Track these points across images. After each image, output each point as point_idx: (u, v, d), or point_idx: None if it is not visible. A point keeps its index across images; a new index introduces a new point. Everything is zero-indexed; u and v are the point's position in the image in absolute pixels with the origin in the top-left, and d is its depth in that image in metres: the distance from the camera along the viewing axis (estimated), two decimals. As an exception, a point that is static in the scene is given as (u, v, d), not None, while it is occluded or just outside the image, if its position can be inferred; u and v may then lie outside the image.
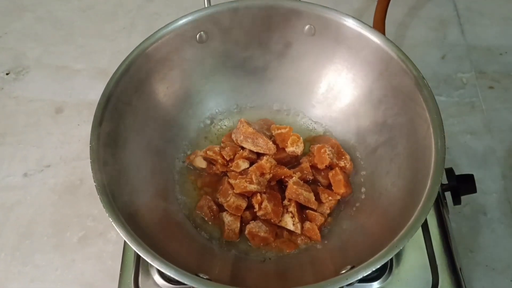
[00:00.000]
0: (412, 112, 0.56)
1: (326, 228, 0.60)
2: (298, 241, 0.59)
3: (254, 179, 0.59)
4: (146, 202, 0.56)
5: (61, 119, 0.86)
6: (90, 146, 0.51)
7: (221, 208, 0.61)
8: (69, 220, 0.75)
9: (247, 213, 0.60)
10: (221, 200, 0.61)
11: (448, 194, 0.64)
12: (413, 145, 0.56)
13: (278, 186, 0.62)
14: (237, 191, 0.59)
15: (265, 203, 0.59)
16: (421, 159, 0.53)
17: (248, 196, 0.60)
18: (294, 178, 0.60)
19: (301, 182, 0.60)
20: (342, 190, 0.61)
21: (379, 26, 0.84)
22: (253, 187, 0.59)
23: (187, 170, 0.65)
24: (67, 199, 0.77)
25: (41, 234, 0.73)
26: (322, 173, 0.63)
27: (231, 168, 0.63)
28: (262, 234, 0.58)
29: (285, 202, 0.60)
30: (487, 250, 0.70)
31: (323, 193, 0.61)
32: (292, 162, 0.65)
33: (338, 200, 0.61)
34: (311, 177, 0.63)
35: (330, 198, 0.61)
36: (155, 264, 0.45)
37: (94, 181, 0.49)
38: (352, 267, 0.46)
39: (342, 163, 0.63)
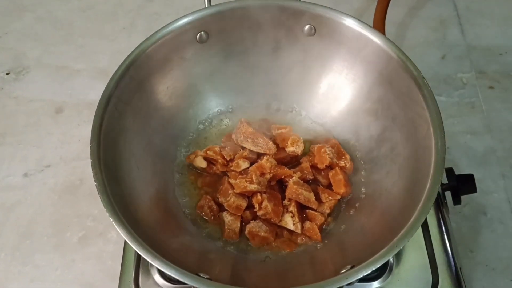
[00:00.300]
0: (412, 112, 0.56)
1: (326, 227, 0.60)
2: (298, 241, 0.59)
3: (254, 179, 0.59)
4: (146, 201, 0.56)
5: (61, 119, 0.86)
6: (90, 146, 0.51)
7: (221, 208, 0.61)
8: (69, 220, 0.75)
9: (247, 213, 0.60)
10: (221, 199, 0.61)
11: (448, 194, 0.64)
12: (413, 145, 0.56)
13: (278, 186, 0.62)
14: (237, 191, 0.59)
15: (265, 202, 0.59)
16: (421, 159, 0.53)
17: (248, 196, 0.60)
18: (294, 178, 0.60)
19: (301, 182, 0.61)
20: (342, 190, 0.61)
21: (379, 26, 0.84)
22: (253, 187, 0.59)
23: (187, 170, 0.65)
24: (67, 199, 0.77)
25: (41, 234, 0.73)
26: (322, 173, 0.63)
27: (231, 168, 0.63)
28: (262, 233, 0.58)
29: (285, 202, 0.60)
30: (487, 250, 0.70)
31: (323, 193, 0.61)
32: (292, 162, 0.65)
33: (338, 200, 0.61)
34: (311, 177, 0.63)
35: (330, 198, 0.61)
36: (156, 263, 0.45)
37: (95, 181, 0.49)
38: (352, 267, 0.46)
39: (342, 163, 0.63)
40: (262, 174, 0.60)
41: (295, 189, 0.59)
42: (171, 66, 0.62)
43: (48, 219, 0.75)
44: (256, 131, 0.63)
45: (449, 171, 0.64)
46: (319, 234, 0.59)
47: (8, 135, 0.84)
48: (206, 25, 0.62)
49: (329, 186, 0.62)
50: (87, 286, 0.69)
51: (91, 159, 0.51)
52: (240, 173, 0.62)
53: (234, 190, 0.59)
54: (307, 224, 0.59)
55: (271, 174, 0.61)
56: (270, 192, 0.60)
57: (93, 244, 0.72)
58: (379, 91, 0.61)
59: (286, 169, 0.61)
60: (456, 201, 0.64)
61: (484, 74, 0.89)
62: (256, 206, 0.59)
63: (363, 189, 0.62)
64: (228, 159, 0.63)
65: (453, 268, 0.57)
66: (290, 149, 0.64)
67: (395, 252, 0.46)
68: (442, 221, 0.61)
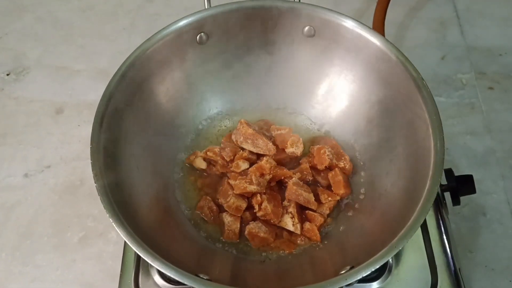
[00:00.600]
0: (412, 113, 0.56)
1: (326, 228, 0.60)
2: (298, 242, 0.59)
3: (254, 179, 0.59)
4: (146, 202, 0.56)
5: (61, 119, 0.86)
6: (90, 147, 0.51)
7: (221, 209, 0.61)
8: (70, 220, 0.75)
9: (247, 214, 0.60)
10: (221, 200, 0.61)
11: (447, 195, 0.64)
12: (413, 146, 0.56)
13: (278, 187, 0.62)
14: (237, 192, 0.59)
15: (265, 203, 0.59)
16: (421, 160, 0.53)
17: (248, 196, 0.60)
18: (293, 178, 0.61)
19: (301, 183, 0.61)
20: (341, 191, 0.61)
21: (379, 27, 0.84)
22: (253, 187, 0.59)
23: (187, 170, 0.65)
24: (67, 199, 0.77)
25: (41, 234, 0.74)
26: (322, 174, 0.63)
27: (231, 169, 0.63)
28: (262, 234, 0.58)
29: (285, 202, 0.60)
30: (486, 250, 0.70)
31: (322, 193, 0.61)
32: (292, 163, 0.65)
33: (338, 200, 0.61)
34: (310, 178, 0.63)
35: (329, 198, 0.61)
36: (155, 264, 0.45)
37: (95, 182, 0.49)
38: (352, 268, 0.46)
39: (341, 164, 0.63)
40: (262, 175, 0.61)
41: (294, 190, 0.59)
42: (171, 67, 0.63)
43: (49, 219, 0.75)
44: (256, 132, 0.63)
45: (449, 172, 0.64)
46: (318, 235, 0.59)
47: (8, 135, 0.84)
48: (206, 26, 0.62)
49: (328, 187, 0.62)
50: (87, 286, 0.69)
51: (91, 160, 0.51)
52: (240, 174, 0.62)
53: (234, 191, 0.60)
54: (307, 225, 0.59)
55: (271, 175, 0.61)
56: (270, 193, 0.61)
57: (93, 244, 0.72)
58: (378, 92, 0.61)
59: (285, 170, 0.62)
60: (456, 202, 0.64)
61: (484, 75, 0.89)
62: (256, 207, 0.59)
63: (362, 190, 0.62)
64: (228, 160, 0.63)
65: (452, 269, 0.58)
66: (289, 150, 0.64)
67: (395, 252, 0.46)
68: (441, 222, 0.61)
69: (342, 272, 0.47)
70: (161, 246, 0.49)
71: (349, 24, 0.61)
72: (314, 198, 0.60)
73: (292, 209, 0.59)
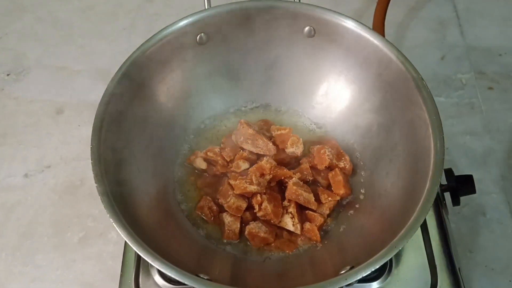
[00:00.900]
0: (411, 113, 0.56)
1: (326, 228, 0.60)
2: (298, 242, 0.59)
3: (254, 180, 0.59)
4: (146, 202, 0.56)
5: (61, 119, 0.86)
6: (91, 147, 0.52)
7: (221, 209, 0.61)
8: (70, 220, 0.75)
9: (247, 214, 0.60)
10: (221, 200, 0.61)
11: (447, 195, 0.64)
12: (412, 146, 0.56)
13: (278, 187, 0.62)
14: (237, 192, 0.59)
15: (265, 203, 0.59)
16: (420, 160, 0.53)
17: (248, 197, 0.60)
18: (294, 179, 0.61)
19: (301, 183, 0.61)
20: (341, 191, 0.61)
21: (379, 27, 0.84)
22: (253, 188, 0.59)
23: (187, 170, 0.65)
24: (67, 200, 0.77)
25: (41, 234, 0.74)
26: (322, 174, 0.63)
27: (231, 169, 0.63)
28: (262, 234, 0.58)
29: (285, 202, 0.61)
30: (486, 250, 0.70)
31: (322, 193, 0.61)
32: (292, 163, 0.65)
33: (338, 200, 0.61)
34: (310, 178, 0.63)
35: (329, 198, 0.61)
36: (156, 264, 0.45)
37: (96, 182, 0.49)
38: (352, 268, 0.46)
39: (341, 164, 0.63)
40: (262, 175, 0.61)
41: (294, 190, 0.59)
42: (171, 67, 0.63)
43: (49, 219, 0.75)
44: (256, 132, 0.63)
45: (448, 172, 0.64)
46: (318, 235, 0.59)
47: (8, 135, 0.84)
48: (206, 26, 0.62)
49: (328, 187, 0.62)
50: (88, 286, 0.69)
51: (91, 160, 0.51)
52: (240, 174, 0.62)
53: (234, 191, 0.60)
54: (307, 225, 0.60)
55: (271, 175, 0.61)
56: (270, 193, 0.61)
57: (94, 244, 0.72)
58: (378, 92, 0.62)
59: (286, 170, 0.62)
60: (455, 202, 0.64)
61: (483, 75, 0.89)
62: (256, 207, 0.59)
63: (362, 190, 0.62)
64: (228, 160, 0.63)
65: (452, 269, 0.57)
66: (290, 150, 0.64)
67: (395, 252, 0.46)
68: (441, 222, 0.61)
69: (342, 272, 0.47)
70: (161, 246, 0.49)
71: (349, 24, 0.61)
72: (314, 198, 0.60)
73: (292, 209, 0.60)
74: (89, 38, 0.97)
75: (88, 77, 0.91)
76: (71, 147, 0.82)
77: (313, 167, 0.63)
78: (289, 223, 0.59)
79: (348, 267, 0.47)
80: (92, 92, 0.88)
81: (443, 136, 0.52)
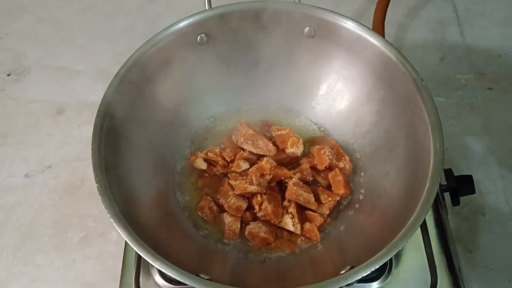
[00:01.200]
0: (411, 114, 0.56)
1: (326, 228, 0.61)
2: (298, 242, 0.60)
3: (254, 180, 0.60)
4: (147, 203, 0.56)
5: (61, 120, 0.86)
6: (91, 148, 0.52)
7: (221, 209, 0.61)
8: (70, 220, 0.75)
9: (247, 214, 0.60)
10: (221, 201, 0.61)
11: (447, 195, 0.65)
12: (412, 146, 0.56)
13: (278, 187, 0.63)
14: (237, 192, 0.60)
15: (265, 204, 0.59)
16: (420, 160, 0.53)
17: (248, 197, 0.61)
18: (294, 179, 0.61)
19: (301, 183, 0.61)
20: (341, 191, 0.61)
21: (379, 28, 0.84)
22: (253, 188, 0.59)
23: (187, 171, 0.65)
24: (68, 200, 0.77)
25: (42, 234, 0.74)
26: (322, 174, 0.63)
27: (231, 169, 0.63)
28: (262, 234, 0.59)
29: (285, 203, 0.61)
30: (485, 250, 0.70)
31: (322, 194, 0.61)
32: (292, 163, 0.65)
33: (338, 201, 0.62)
34: (310, 178, 0.63)
35: (329, 199, 0.61)
36: (156, 264, 0.45)
37: (96, 183, 0.49)
38: (352, 268, 0.46)
39: (341, 164, 0.63)
40: (262, 175, 0.61)
41: (294, 190, 0.59)
42: (171, 68, 0.63)
43: (49, 220, 0.75)
44: (256, 133, 0.64)
45: (448, 172, 0.64)
46: (318, 235, 0.59)
47: (9, 136, 0.84)
48: (207, 27, 0.62)
49: (328, 187, 0.63)
50: (88, 286, 0.69)
51: (92, 160, 0.51)
52: (240, 174, 0.62)
53: (234, 191, 0.60)
54: (307, 225, 0.60)
55: (271, 175, 0.61)
56: (270, 193, 0.61)
57: (94, 244, 0.72)
58: (378, 93, 0.62)
59: (286, 170, 0.62)
60: (455, 202, 0.64)
61: (483, 75, 0.89)
62: (256, 207, 0.60)
63: (362, 190, 0.62)
64: (228, 160, 0.63)
65: (452, 269, 0.58)
66: (290, 150, 0.64)
67: (394, 253, 0.46)
68: (441, 222, 0.61)
69: (342, 272, 0.47)
70: (161, 246, 0.49)
71: (349, 25, 0.61)
72: (314, 198, 0.60)
73: (292, 209, 0.60)
74: (90, 38, 0.97)
75: (89, 78, 0.91)
76: (72, 147, 0.82)
77: (313, 168, 0.63)
78: (289, 223, 0.59)
79: (348, 267, 0.47)
80: (93, 93, 0.88)
81: (443, 137, 0.52)
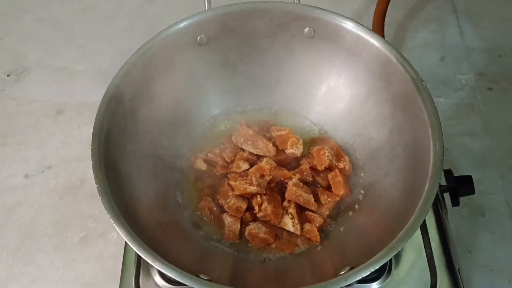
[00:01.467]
0: (411, 114, 0.56)
1: (326, 229, 0.61)
2: (298, 242, 0.60)
3: (254, 180, 0.60)
4: (147, 203, 0.56)
5: (62, 120, 0.86)
6: (91, 148, 0.52)
7: (221, 209, 0.61)
8: (70, 220, 0.75)
9: (247, 215, 0.60)
10: (221, 201, 0.61)
11: (447, 196, 0.65)
12: (412, 146, 0.56)
13: (278, 188, 0.63)
14: (237, 193, 0.60)
15: (265, 204, 0.59)
16: (420, 160, 0.53)
17: (248, 197, 0.61)
18: (293, 179, 0.61)
19: (301, 184, 0.61)
20: (341, 192, 0.61)
21: (378, 28, 0.84)
22: (252, 188, 0.59)
23: (187, 171, 0.65)
24: (68, 200, 0.77)
25: (42, 234, 0.74)
26: (322, 175, 0.63)
27: (231, 169, 0.63)
28: (262, 235, 0.59)
29: (285, 203, 0.61)
30: (485, 251, 0.71)
31: (322, 194, 0.61)
32: (292, 163, 0.65)
33: (337, 201, 0.62)
34: (310, 179, 0.63)
35: (329, 199, 0.61)
36: (156, 265, 0.46)
37: (96, 183, 0.50)
38: (351, 268, 0.46)
39: (341, 165, 0.63)
40: (262, 176, 0.61)
41: (294, 190, 0.60)
42: (171, 68, 0.63)
43: (49, 220, 0.75)
44: (256, 133, 0.64)
45: (448, 173, 0.64)
46: (318, 235, 0.59)
47: (9, 136, 0.84)
48: (206, 28, 0.62)
49: (328, 188, 0.63)
50: (88, 286, 0.69)
51: (92, 161, 0.51)
52: (240, 174, 0.62)
53: (234, 192, 0.60)
54: (307, 225, 0.60)
55: (271, 176, 0.61)
56: (270, 194, 0.61)
57: (94, 244, 0.73)
58: (377, 93, 0.62)
59: (285, 171, 0.62)
60: (455, 202, 0.64)
61: (483, 76, 0.90)
62: (256, 207, 0.60)
63: (362, 191, 0.62)
64: (228, 161, 0.64)
65: (452, 269, 0.58)
66: (289, 151, 0.64)
67: (394, 253, 0.46)
68: (440, 223, 0.61)
69: (342, 272, 0.47)
70: (161, 246, 0.49)
71: (348, 25, 0.61)
72: (314, 199, 0.60)
73: (292, 210, 0.60)
74: (90, 39, 0.98)
75: (89, 78, 0.91)
76: (72, 147, 0.83)
77: (312, 168, 0.63)
78: (289, 223, 0.59)
79: (347, 268, 0.47)
80: (93, 93, 0.88)
81: (442, 137, 0.52)
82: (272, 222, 0.60)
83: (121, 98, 0.57)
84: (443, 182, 0.64)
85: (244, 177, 0.61)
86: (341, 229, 0.60)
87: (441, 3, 1.01)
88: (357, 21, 0.61)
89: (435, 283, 0.57)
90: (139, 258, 0.59)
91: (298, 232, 0.59)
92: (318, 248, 0.59)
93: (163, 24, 0.62)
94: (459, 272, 0.58)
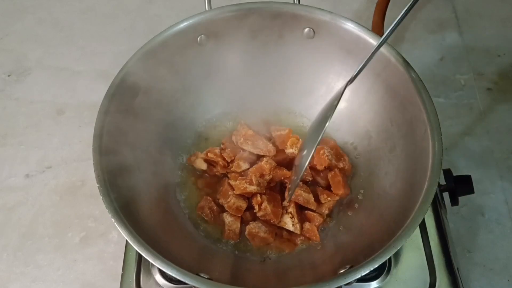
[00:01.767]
0: (410, 114, 0.56)
1: (325, 228, 0.61)
2: (298, 241, 0.60)
3: (254, 180, 0.60)
4: (147, 203, 0.57)
5: (62, 120, 0.86)
6: (92, 148, 0.52)
7: (221, 209, 0.61)
8: (71, 220, 0.75)
9: (247, 214, 0.61)
10: (221, 201, 0.61)
11: (446, 195, 0.65)
12: (411, 146, 0.56)
13: (278, 187, 0.63)
14: (237, 192, 0.60)
15: (264, 203, 0.59)
16: (419, 160, 0.53)
17: (248, 197, 0.61)
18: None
19: (300, 183, 0.61)
20: (341, 191, 0.61)
21: (378, 28, 0.84)
22: (253, 188, 0.59)
23: (188, 171, 0.65)
24: (68, 200, 0.77)
25: (42, 234, 0.74)
26: (321, 174, 0.63)
27: (231, 169, 0.63)
28: (262, 234, 0.59)
29: (285, 202, 0.61)
30: (484, 250, 0.71)
31: (322, 194, 0.62)
32: (292, 163, 0.65)
33: (337, 201, 0.62)
34: (310, 178, 0.63)
35: (329, 198, 0.61)
36: (157, 263, 0.46)
37: (97, 183, 0.50)
38: (351, 267, 0.47)
39: (341, 165, 0.63)
40: (262, 175, 0.61)
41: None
42: (172, 68, 0.63)
43: (50, 220, 0.75)
44: (256, 133, 0.64)
45: (447, 172, 0.65)
46: (318, 234, 0.59)
47: (9, 136, 0.85)
48: (206, 28, 0.63)
49: (328, 187, 0.63)
50: (89, 286, 0.70)
51: (93, 161, 0.51)
52: (240, 174, 0.62)
53: (234, 192, 0.60)
54: (306, 225, 0.60)
55: (271, 176, 0.61)
56: (270, 193, 0.61)
57: (94, 244, 0.73)
58: (377, 93, 0.62)
59: (285, 171, 0.62)
60: (454, 202, 0.64)
61: (482, 76, 0.90)
62: (256, 207, 0.60)
63: (361, 190, 0.62)
64: (228, 160, 0.64)
65: (451, 268, 0.58)
66: (289, 150, 0.64)
67: (393, 252, 0.46)
68: (440, 222, 0.62)
69: (341, 271, 0.47)
70: (162, 245, 0.49)
71: (348, 25, 0.61)
72: (313, 198, 0.60)
73: (291, 209, 0.60)
74: (90, 39, 0.98)
75: (89, 78, 0.92)
76: (72, 147, 0.83)
77: (312, 168, 0.63)
78: (289, 223, 0.60)
79: (347, 267, 0.47)
80: (93, 93, 0.88)
81: (441, 137, 0.53)
82: (272, 221, 0.60)
83: (122, 99, 0.57)
84: (443, 182, 0.64)
85: (244, 177, 0.61)
86: (340, 228, 0.60)
87: (441, 3, 1.01)
88: (356, 21, 0.61)
89: (434, 282, 0.57)
90: (139, 257, 0.59)
91: (297, 232, 0.60)
92: (318, 247, 0.59)
93: (163, 24, 0.62)
94: (458, 271, 0.58)
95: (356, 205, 0.61)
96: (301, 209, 0.61)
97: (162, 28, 0.61)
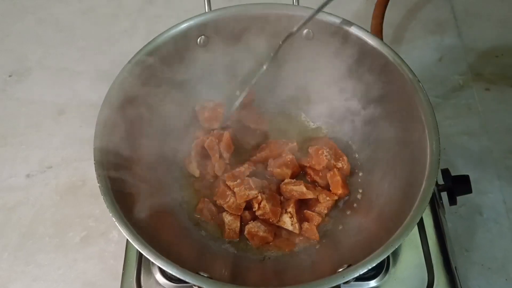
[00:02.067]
0: (408, 115, 0.57)
1: (324, 227, 0.61)
2: (297, 241, 0.60)
3: (251, 184, 0.60)
4: (148, 202, 0.57)
5: (63, 120, 0.87)
6: (94, 148, 0.52)
7: (220, 209, 0.62)
8: (71, 220, 0.75)
9: (247, 213, 0.61)
10: (219, 202, 0.62)
11: (444, 195, 0.65)
12: (409, 146, 0.57)
13: (277, 188, 0.63)
14: (241, 201, 0.60)
15: (263, 202, 0.60)
16: (417, 160, 0.54)
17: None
18: (285, 180, 0.62)
19: (292, 181, 0.61)
20: (339, 191, 0.62)
21: (377, 29, 0.84)
22: (253, 192, 0.60)
23: (186, 172, 0.66)
24: (69, 200, 0.77)
25: (43, 234, 0.74)
26: (320, 174, 0.64)
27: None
28: (261, 233, 0.59)
29: (282, 198, 0.61)
30: (482, 249, 0.71)
31: (321, 193, 0.62)
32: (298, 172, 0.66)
33: (336, 200, 0.62)
34: (309, 178, 0.64)
35: (327, 198, 0.62)
36: (158, 262, 0.46)
37: (98, 182, 0.50)
38: (349, 266, 0.47)
39: (339, 164, 0.64)
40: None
41: (284, 189, 0.61)
42: (172, 69, 0.63)
43: (50, 220, 0.76)
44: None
45: (445, 172, 0.65)
46: (317, 234, 0.60)
47: (10, 136, 0.85)
48: (207, 29, 0.63)
49: (327, 187, 0.63)
50: (89, 285, 0.70)
51: (94, 160, 0.52)
52: (234, 174, 0.62)
53: (237, 201, 0.60)
54: (305, 224, 0.60)
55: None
56: (269, 192, 0.61)
57: (95, 244, 0.73)
58: (375, 94, 0.62)
59: (285, 170, 0.63)
60: (452, 201, 0.64)
61: (480, 76, 0.90)
62: (255, 206, 0.60)
63: (360, 190, 0.63)
64: (218, 174, 0.64)
65: (449, 268, 0.58)
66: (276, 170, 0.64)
67: (391, 251, 0.47)
68: (438, 221, 0.62)
69: (340, 270, 0.47)
70: (162, 245, 0.50)
71: (347, 27, 0.61)
72: (305, 187, 0.61)
73: (291, 208, 0.60)
74: (90, 39, 0.98)
75: (89, 79, 0.92)
76: (73, 147, 0.83)
77: (311, 168, 0.64)
78: (288, 222, 0.60)
79: (345, 265, 0.48)
80: (93, 93, 0.88)
81: (439, 137, 0.53)
82: (271, 220, 0.60)
83: (122, 100, 0.57)
84: (441, 181, 0.64)
85: (240, 182, 0.61)
86: (339, 228, 0.61)
87: (440, 3, 1.01)
88: (355, 23, 0.61)
89: (432, 281, 0.57)
90: (140, 256, 0.59)
91: (297, 231, 0.60)
92: (317, 247, 0.59)
93: (163, 25, 0.62)
94: (456, 270, 0.58)
95: (354, 205, 0.62)
96: (300, 208, 0.62)
97: (163, 29, 0.62)
